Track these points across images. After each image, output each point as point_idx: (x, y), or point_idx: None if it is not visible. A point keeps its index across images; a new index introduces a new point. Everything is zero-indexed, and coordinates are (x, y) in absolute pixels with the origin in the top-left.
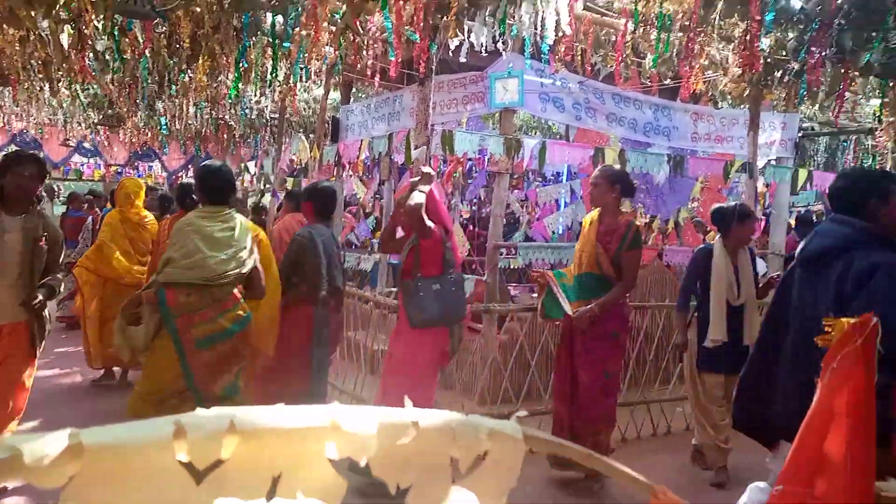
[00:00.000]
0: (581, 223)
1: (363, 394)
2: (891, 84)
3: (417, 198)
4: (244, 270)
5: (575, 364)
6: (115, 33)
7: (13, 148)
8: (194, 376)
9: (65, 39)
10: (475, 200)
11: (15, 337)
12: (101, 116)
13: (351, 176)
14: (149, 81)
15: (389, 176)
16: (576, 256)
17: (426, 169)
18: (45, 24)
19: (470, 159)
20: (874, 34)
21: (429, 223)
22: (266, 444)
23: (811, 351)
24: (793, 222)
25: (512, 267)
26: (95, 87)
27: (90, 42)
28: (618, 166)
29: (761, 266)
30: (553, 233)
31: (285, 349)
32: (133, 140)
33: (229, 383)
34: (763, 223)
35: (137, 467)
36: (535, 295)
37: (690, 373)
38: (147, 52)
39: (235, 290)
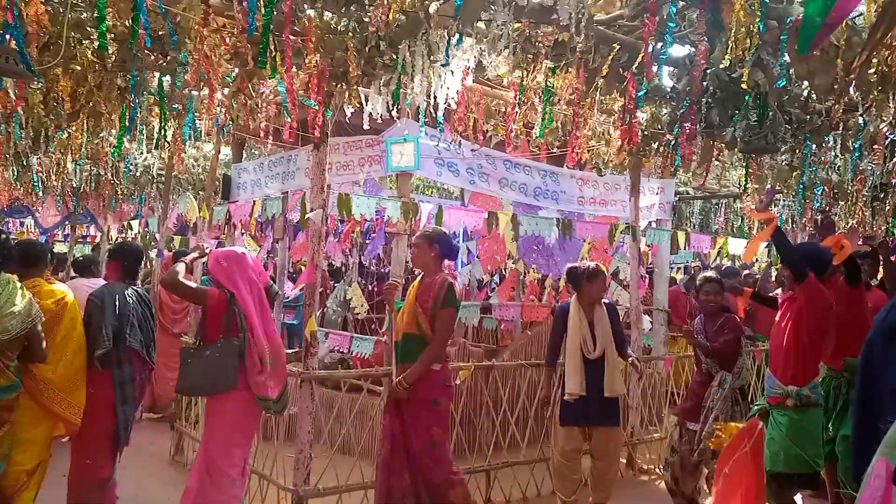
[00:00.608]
0: (479, 280)
1: (254, 463)
2: (752, 157)
3: (177, 267)
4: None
5: (404, 433)
6: None
7: None
8: None
9: None
10: (373, 259)
11: None
12: None
13: (243, 234)
14: (21, 137)
15: (284, 234)
16: (397, 321)
17: (203, 244)
18: None
19: (367, 220)
20: (737, 111)
21: (191, 285)
22: None
23: None
24: (675, 277)
25: None
26: None
27: None
28: (511, 230)
29: (646, 322)
30: None
31: (90, 408)
32: (2, 196)
33: None
34: (647, 280)
35: None
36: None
37: (553, 427)
38: (20, 108)
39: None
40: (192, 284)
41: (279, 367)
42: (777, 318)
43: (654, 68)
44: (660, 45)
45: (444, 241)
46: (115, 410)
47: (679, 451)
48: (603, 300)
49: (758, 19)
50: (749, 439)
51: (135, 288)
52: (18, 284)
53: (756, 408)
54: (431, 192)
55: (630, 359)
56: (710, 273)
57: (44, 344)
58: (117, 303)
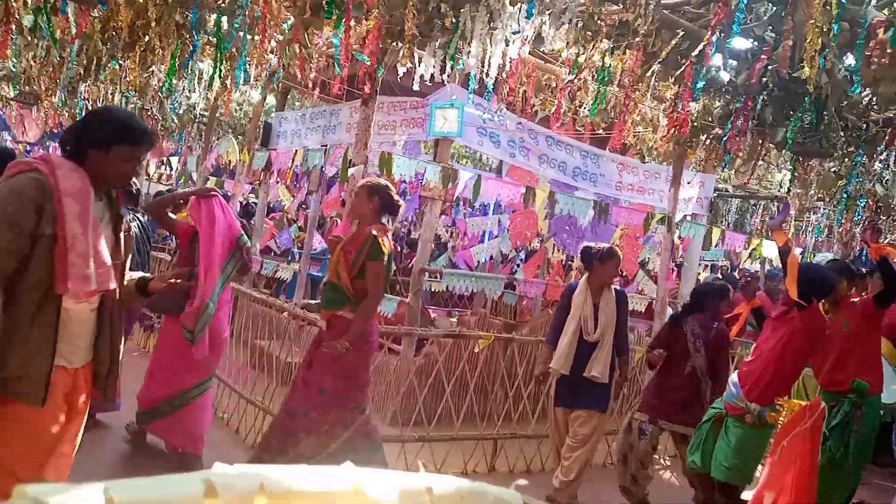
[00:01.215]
0: (504, 254)
1: (271, 405)
2: (801, 160)
3: (164, 197)
4: None
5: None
6: (47, 12)
7: None
8: None
9: None
10: (405, 223)
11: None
12: (16, 92)
13: (278, 182)
14: (75, 64)
15: (318, 187)
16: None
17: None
18: None
19: (403, 181)
20: (792, 112)
21: (170, 215)
22: None
23: None
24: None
25: (434, 290)
26: (14, 61)
27: (16, 17)
28: (545, 208)
29: (670, 314)
30: (477, 262)
31: None
32: (49, 120)
33: None
34: (676, 273)
35: None
36: (454, 320)
37: (549, 406)
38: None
39: None
40: (172, 215)
41: (199, 304)
42: (764, 331)
43: (715, 58)
44: (723, 34)
45: (385, 194)
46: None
47: (638, 449)
48: (614, 287)
49: (832, 20)
50: (810, 417)
51: (136, 213)
52: None
53: (712, 411)
54: (466, 161)
55: (623, 358)
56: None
57: None
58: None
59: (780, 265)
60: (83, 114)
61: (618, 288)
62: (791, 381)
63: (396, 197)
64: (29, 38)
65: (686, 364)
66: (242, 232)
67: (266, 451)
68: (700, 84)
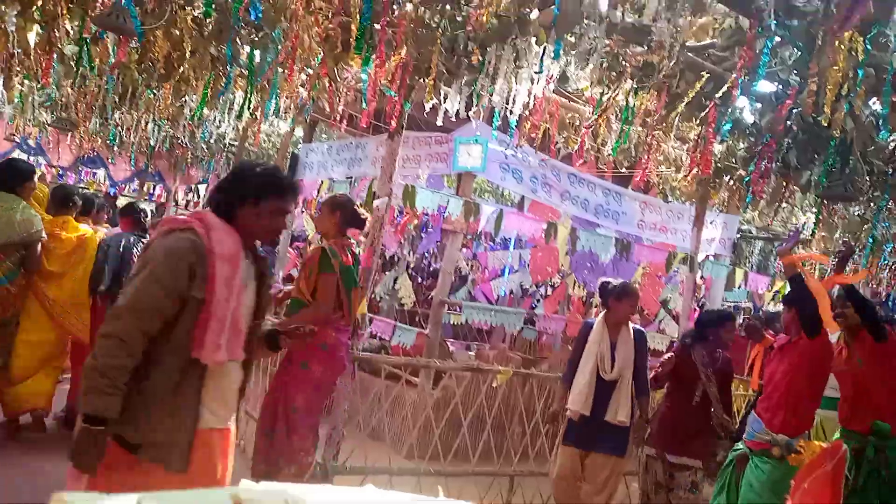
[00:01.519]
0: (524, 289)
1: None
2: (825, 203)
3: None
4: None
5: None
6: (87, 41)
7: None
8: None
9: (32, 39)
10: (426, 254)
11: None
12: (53, 118)
13: (303, 212)
14: (111, 92)
15: None
16: None
17: None
18: (13, 19)
19: (426, 214)
20: (817, 156)
21: None
22: None
23: None
24: None
25: (453, 323)
26: (54, 88)
27: (58, 46)
28: (567, 244)
29: None
30: (497, 296)
31: (92, 335)
32: (83, 145)
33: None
34: (697, 314)
35: None
36: (472, 353)
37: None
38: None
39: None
40: None
41: None
42: (772, 360)
43: (740, 100)
44: (748, 77)
45: (346, 208)
46: None
47: (665, 486)
48: (632, 325)
49: (857, 66)
50: (832, 459)
51: (142, 238)
52: (24, 205)
53: (735, 452)
54: (489, 196)
55: (643, 399)
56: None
57: (40, 257)
58: (122, 249)
59: (796, 291)
60: (115, 141)
61: (636, 326)
62: (809, 406)
63: (361, 211)
64: (70, 66)
65: (695, 393)
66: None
67: (257, 476)
68: (726, 127)
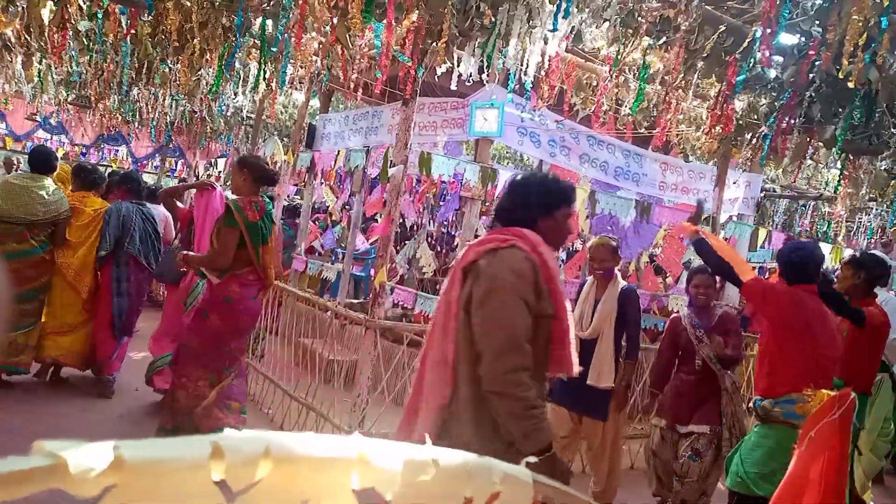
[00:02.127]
0: None
1: (314, 402)
2: (850, 158)
3: (173, 184)
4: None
5: None
6: (99, 16)
7: None
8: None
9: (46, 16)
10: (445, 223)
11: None
12: (72, 96)
13: (322, 184)
14: (128, 67)
15: (361, 188)
16: None
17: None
18: None
19: (443, 182)
20: (841, 110)
21: (177, 203)
22: (296, 471)
23: None
24: None
25: None
26: (71, 66)
27: (72, 22)
28: (587, 207)
29: None
30: None
31: (97, 294)
32: (104, 122)
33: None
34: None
35: (173, 484)
36: None
37: None
38: (129, 38)
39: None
40: (178, 203)
41: (190, 281)
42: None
43: (764, 54)
44: (769, 30)
45: (255, 166)
46: (112, 300)
47: (660, 456)
48: (623, 284)
49: (881, 14)
50: (840, 407)
51: (139, 206)
52: (54, 187)
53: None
54: (507, 162)
55: (629, 362)
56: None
57: (66, 234)
58: (122, 217)
59: (701, 255)
60: (135, 117)
61: (628, 285)
62: (784, 366)
63: (268, 167)
64: (84, 42)
65: (695, 360)
66: None
67: (166, 408)
68: (741, 78)
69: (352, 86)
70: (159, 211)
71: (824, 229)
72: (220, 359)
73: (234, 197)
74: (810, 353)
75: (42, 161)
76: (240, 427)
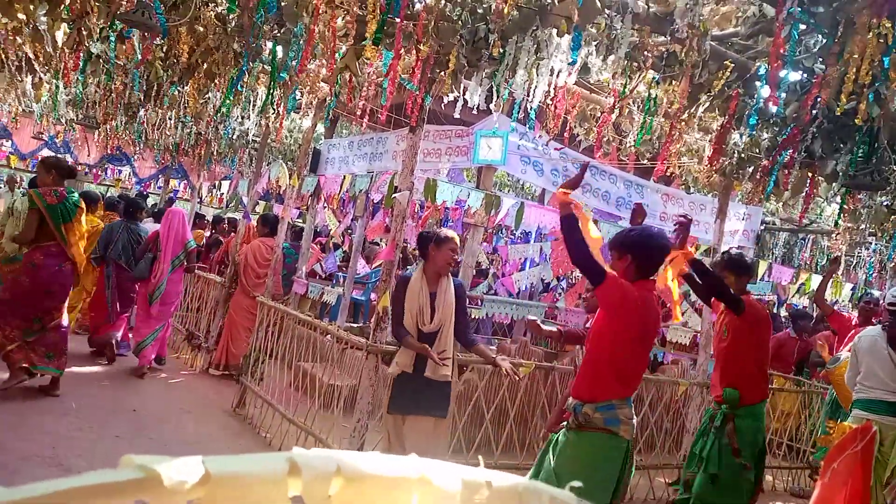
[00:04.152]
0: (545, 283)
1: (312, 427)
2: (851, 193)
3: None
4: None
5: None
6: (112, 39)
7: None
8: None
9: (60, 37)
10: None
11: None
12: (79, 116)
13: (325, 208)
14: (137, 89)
15: (364, 213)
16: None
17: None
18: (42, 18)
19: (447, 208)
20: (843, 145)
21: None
22: (364, 490)
23: None
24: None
25: (474, 317)
26: (80, 86)
27: (86, 44)
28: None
29: None
30: (517, 289)
31: (97, 286)
32: (109, 142)
33: None
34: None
35: (252, 499)
36: (493, 347)
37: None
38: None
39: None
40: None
41: (155, 282)
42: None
43: (763, 90)
44: (774, 66)
45: (57, 165)
46: (105, 290)
47: None
48: (451, 276)
49: (884, 52)
50: (861, 440)
51: (130, 225)
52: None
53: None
54: (508, 189)
55: (495, 359)
56: None
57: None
58: (112, 232)
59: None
60: (140, 138)
61: (457, 279)
62: (616, 367)
63: (67, 164)
64: (97, 63)
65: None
66: (191, 239)
67: None
68: (752, 121)
69: (358, 112)
70: (146, 228)
71: (823, 262)
72: (33, 312)
73: (42, 189)
74: (641, 358)
75: (92, 199)
76: (40, 367)
